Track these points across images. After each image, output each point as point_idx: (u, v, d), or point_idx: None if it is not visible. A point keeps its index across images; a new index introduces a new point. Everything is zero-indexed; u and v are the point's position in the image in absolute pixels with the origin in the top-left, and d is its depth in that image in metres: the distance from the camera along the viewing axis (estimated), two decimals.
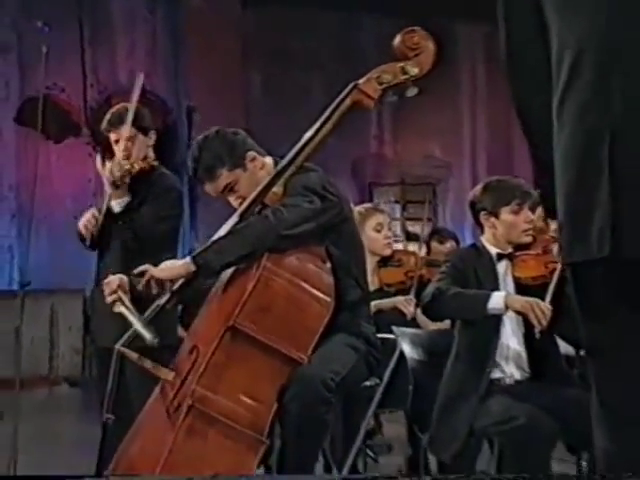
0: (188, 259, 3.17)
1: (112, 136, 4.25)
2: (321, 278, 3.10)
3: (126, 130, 4.18)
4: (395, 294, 4.94)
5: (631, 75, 1.98)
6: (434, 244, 6.69)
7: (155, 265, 3.58)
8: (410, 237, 12.51)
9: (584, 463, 3.93)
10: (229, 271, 3.20)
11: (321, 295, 3.06)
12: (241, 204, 3.38)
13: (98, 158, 4.27)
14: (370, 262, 4.55)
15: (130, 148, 4.18)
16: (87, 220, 4.21)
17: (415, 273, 4.98)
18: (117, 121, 4.26)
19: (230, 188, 3.41)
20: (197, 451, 2.86)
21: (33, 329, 6.45)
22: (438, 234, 6.97)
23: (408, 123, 12.62)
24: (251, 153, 3.47)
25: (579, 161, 1.99)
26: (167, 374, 3.07)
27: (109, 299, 3.35)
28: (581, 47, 2.06)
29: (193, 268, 3.12)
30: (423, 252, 6.21)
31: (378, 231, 4.81)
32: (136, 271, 3.29)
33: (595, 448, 2.18)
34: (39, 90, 9.21)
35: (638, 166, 1.91)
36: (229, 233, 3.25)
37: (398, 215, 12.64)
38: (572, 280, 2.10)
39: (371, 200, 12.64)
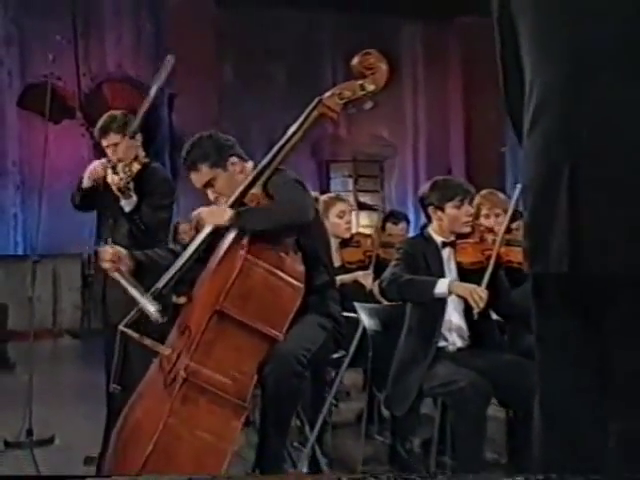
0: (232, 212, 3.16)
1: (103, 142, 4.21)
2: (294, 267, 3.11)
3: (114, 139, 4.16)
4: (356, 270, 4.96)
5: (588, 119, 1.99)
6: (389, 225, 6.66)
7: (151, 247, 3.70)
8: (361, 206, 12.55)
9: (511, 413, 4.06)
10: (215, 260, 3.20)
11: (294, 282, 3.07)
12: (217, 199, 3.43)
13: (103, 168, 4.21)
14: (333, 243, 4.58)
15: (118, 153, 4.14)
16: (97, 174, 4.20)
17: (372, 252, 4.99)
18: (106, 127, 4.22)
19: (210, 184, 3.43)
20: (191, 415, 2.88)
21: (38, 289, 6.46)
22: (393, 216, 6.92)
23: (359, 110, 12.60)
24: (234, 158, 3.48)
25: (542, 188, 2.06)
26: (164, 350, 3.08)
27: (105, 265, 3.33)
28: (547, 90, 2.10)
29: (234, 222, 3.13)
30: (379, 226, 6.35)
31: (340, 217, 4.82)
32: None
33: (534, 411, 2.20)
34: (38, 78, 9.31)
35: (594, 198, 1.95)
36: (266, 208, 3.27)
37: (351, 188, 12.63)
38: (532, 283, 2.15)
39: (328, 174, 12.72)
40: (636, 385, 1.98)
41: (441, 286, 3.66)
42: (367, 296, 4.69)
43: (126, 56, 11.61)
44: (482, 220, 4.37)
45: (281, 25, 12.09)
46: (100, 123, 4.26)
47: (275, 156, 3.28)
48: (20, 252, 11.02)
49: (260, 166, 3.29)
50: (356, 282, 4.78)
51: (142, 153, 4.32)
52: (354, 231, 5.32)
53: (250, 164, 3.57)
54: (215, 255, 3.24)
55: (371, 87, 3.19)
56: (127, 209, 4.12)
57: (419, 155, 13.03)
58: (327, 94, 3.25)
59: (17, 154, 11.17)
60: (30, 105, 10.63)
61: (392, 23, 12.74)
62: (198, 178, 3.45)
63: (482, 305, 3.58)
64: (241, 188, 3.24)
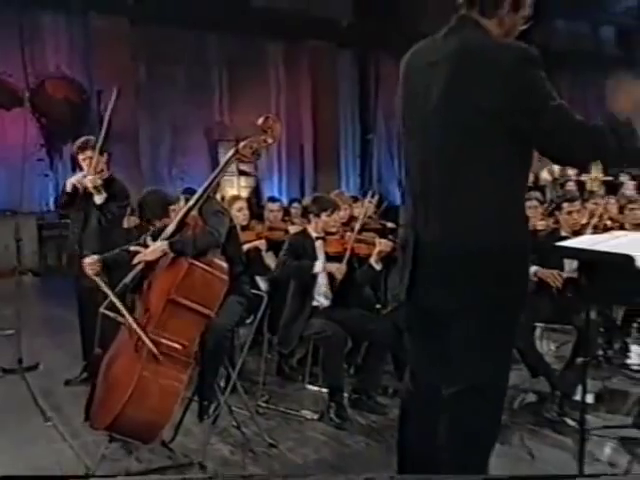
0: (166, 245, 3.06)
1: (80, 156, 4.20)
2: (220, 266, 3.10)
3: (89, 154, 4.15)
4: None
5: (427, 204, 2.02)
6: (269, 204, 5.74)
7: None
8: (241, 173, 12.49)
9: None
10: (167, 260, 3.10)
11: (221, 275, 3.08)
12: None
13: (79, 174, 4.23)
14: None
15: (92, 166, 4.12)
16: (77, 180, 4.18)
17: (262, 234, 4.87)
18: (83, 146, 4.20)
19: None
20: (156, 369, 2.86)
21: (6, 239, 6.35)
22: (271, 200, 6.00)
23: (239, 102, 12.52)
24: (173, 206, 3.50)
25: (402, 247, 2.15)
26: (132, 323, 2.99)
27: (89, 271, 3.26)
28: (406, 174, 2.17)
29: (169, 251, 3.05)
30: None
31: (239, 211, 4.70)
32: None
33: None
34: None
35: (428, 262, 2.01)
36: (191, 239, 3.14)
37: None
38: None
39: (216, 150, 12.51)
40: (459, 363, 2.03)
41: (317, 266, 3.82)
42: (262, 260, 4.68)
43: (63, 60, 10.96)
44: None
45: (180, 39, 11.67)
46: (78, 143, 4.25)
47: (206, 189, 3.22)
48: None
49: (196, 195, 3.21)
50: (257, 249, 4.67)
51: (105, 167, 4.29)
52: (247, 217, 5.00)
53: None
54: (164, 260, 3.12)
55: (270, 140, 3.20)
56: (98, 202, 4.15)
57: (281, 137, 13.05)
58: (241, 145, 3.20)
59: None
60: None
61: (262, 41, 12.61)
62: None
63: (340, 276, 3.79)
64: (182, 211, 3.19)
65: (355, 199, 5.97)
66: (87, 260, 3.31)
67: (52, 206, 10.79)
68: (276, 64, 12.82)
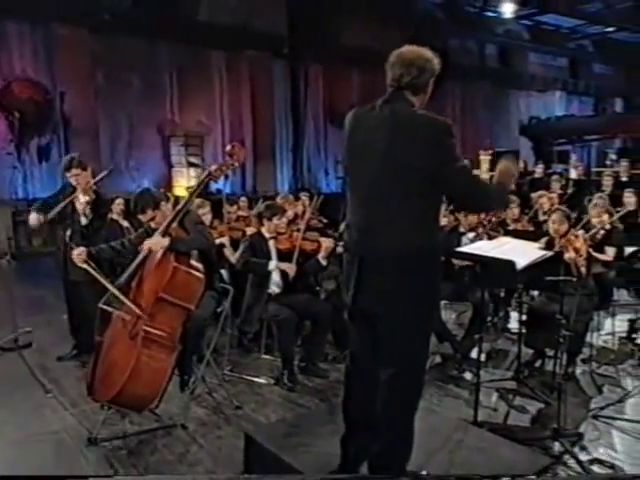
0: (167, 242, 3.12)
1: (67, 174, 4.12)
2: (197, 267, 3.19)
3: (75, 172, 4.10)
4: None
5: (367, 231, 2.21)
6: (227, 206, 5.89)
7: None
8: (190, 164, 12.35)
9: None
10: (154, 263, 3.15)
11: (200, 275, 3.17)
12: (156, 227, 3.36)
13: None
14: None
15: (81, 181, 4.09)
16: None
17: (224, 233, 4.87)
18: (68, 166, 4.13)
19: (153, 218, 3.41)
20: (149, 354, 2.98)
21: None
22: (228, 200, 6.16)
23: (187, 103, 12.33)
24: (163, 203, 3.46)
25: (348, 265, 2.32)
26: (126, 315, 3.11)
27: (77, 260, 3.29)
28: (350, 204, 2.34)
29: (167, 245, 3.11)
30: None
31: (204, 215, 4.45)
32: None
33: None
34: None
35: (369, 279, 2.19)
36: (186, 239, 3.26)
37: (183, 153, 12.33)
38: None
39: (169, 145, 12.32)
40: (391, 351, 2.22)
41: (272, 264, 3.95)
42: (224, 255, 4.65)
43: (28, 65, 10.44)
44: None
45: (134, 47, 11.32)
46: (64, 164, 4.17)
47: (186, 203, 3.30)
48: None
49: (177, 209, 3.27)
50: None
51: (92, 181, 4.20)
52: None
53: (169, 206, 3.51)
54: (150, 262, 3.19)
55: (236, 164, 3.30)
56: (84, 223, 4.12)
57: (225, 133, 12.91)
58: (213, 168, 3.29)
59: None
60: None
61: (207, 51, 12.40)
62: (144, 217, 3.40)
63: (292, 274, 3.93)
64: (166, 223, 3.23)
65: (297, 198, 6.14)
66: (76, 251, 3.33)
67: (21, 194, 10.56)
68: (219, 70, 12.64)
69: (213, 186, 12.81)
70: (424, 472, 2.41)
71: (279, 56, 13.05)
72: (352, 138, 2.31)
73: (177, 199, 5.00)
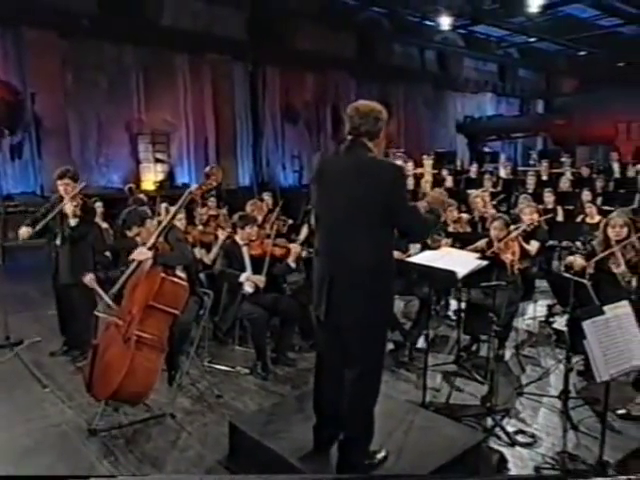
0: (150, 255, 3.19)
1: (59, 182, 4.09)
2: (181, 277, 3.33)
3: (66, 182, 4.08)
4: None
5: (334, 257, 2.37)
6: (199, 209, 5.59)
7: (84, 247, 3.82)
8: (157, 160, 12.21)
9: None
10: (144, 274, 3.21)
11: (184, 284, 3.26)
12: (142, 242, 3.40)
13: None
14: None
15: (69, 191, 4.09)
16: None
17: (197, 237, 4.90)
18: (62, 175, 4.10)
19: (138, 234, 3.43)
20: (143, 355, 3.07)
21: None
22: (203, 199, 5.77)
23: (153, 103, 12.12)
24: (148, 220, 3.50)
25: (319, 286, 2.46)
26: (117, 321, 3.20)
27: (86, 280, 3.44)
28: (318, 232, 2.52)
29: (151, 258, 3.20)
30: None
31: (179, 221, 4.50)
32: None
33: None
34: None
35: (338, 295, 2.35)
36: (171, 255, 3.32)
37: (150, 150, 12.17)
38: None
39: (136, 142, 12.09)
40: (356, 354, 2.40)
41: (243, 276, 4.01)
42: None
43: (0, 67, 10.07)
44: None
45: (102, 49, 11.05)
46: (58, 172, 4.12)
47: (170, 220, 3.39)
48: None
49: (161, 226, 3.34)
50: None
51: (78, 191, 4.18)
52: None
53: (155, 222, 3.53)
54: (140, 273, 3.24)
55: (214, 184, 3.43)
56: (72, 224, 4.10)
57: (189, 131, 12.76)
58: (194, 188, 3.37)
59: None
60: None
61: (170, 53, 12.17)
62: (130, 233, 3.43)
63: (262, 285, 4.00)
64: (153, 238, 3.28)
65: (261, 199, 6.24)
66: (87, 275, 3.51)
67: None
68: (183, 72, 12.44)
69: (179, 179, 12.87)
70: (383, 451, 2.62)
71: (239, 59, 12.96)
72: (321, 180, 2.47)
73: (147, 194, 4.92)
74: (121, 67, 11.55)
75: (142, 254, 3.25)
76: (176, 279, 3.29)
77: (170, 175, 12.29)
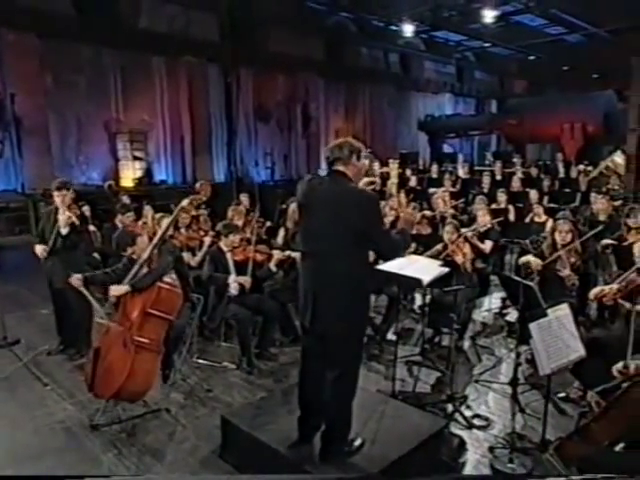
0: (128, 287, 3.27)
1: (56, 193, 4.10)
2: (175, 283, 3.42)
3: (64, 193, 4.11)
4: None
5: (317, 274, 2.51)
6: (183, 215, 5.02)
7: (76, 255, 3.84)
8: (135, 158, 12.05)
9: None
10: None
11: (178, 291, 3.38)
12: (137, 257, 3.49)
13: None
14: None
15: (64, 201, 4.11)
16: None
17: (184, 242, 4.88)
18: (59, 187, 4.11)
19: (133, 252, 3.51)
20: (142, 358, 3.18)
21: None
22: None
23: (131, 103, 11.96)
24: (139, 238, 3.55)
25: (304, 298, 2.58)
26: (117, 327, 3.27)
27: (76, 285, 3.42)
28: (301, 250, 2.63)
29: (130, 290, 3.27)
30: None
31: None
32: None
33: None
34: None
35: (322, 311, 2.48)
36: (147, 273, 3.35)
37: (129, 148, 11.99)
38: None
39: (115, 141, 11.92)
40: (337, 357, 2.55)
41: (231, 278, 4.11)
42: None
43: None
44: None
45: (80, 51, 10.84)
46: (56, 184, 4.13)
47: (163, 234, 3.47)
48: None
49: (156, 238, 3.42)
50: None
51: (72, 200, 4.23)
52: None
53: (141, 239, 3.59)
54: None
55: (204, 198, 3.58)
56: (64, 232, 4.10)
57: (166, 130, 12.64)
58: (185, 202, 3.45)
59: None
60: None
61: (147, 55, 12.02)
62: (125, 253, 3.50)
63: (248, 286, 4.11)
64: (148, 251, 3.39)
65: (238, 203, 6.30)
66: (75, 276, 3.46)
67: None
68: (160, 73, 12.30)
69: (157, 176, 12.76)
70: (360, 439, 2.82)
71: (214, 61, 12.86)
72: (307, 206, 2.63)
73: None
74: (99, 68, 11.35)
75: (118, 290, 3.33)
76: (171, 287, 3.39)
77: (148, 172, 12.18)
